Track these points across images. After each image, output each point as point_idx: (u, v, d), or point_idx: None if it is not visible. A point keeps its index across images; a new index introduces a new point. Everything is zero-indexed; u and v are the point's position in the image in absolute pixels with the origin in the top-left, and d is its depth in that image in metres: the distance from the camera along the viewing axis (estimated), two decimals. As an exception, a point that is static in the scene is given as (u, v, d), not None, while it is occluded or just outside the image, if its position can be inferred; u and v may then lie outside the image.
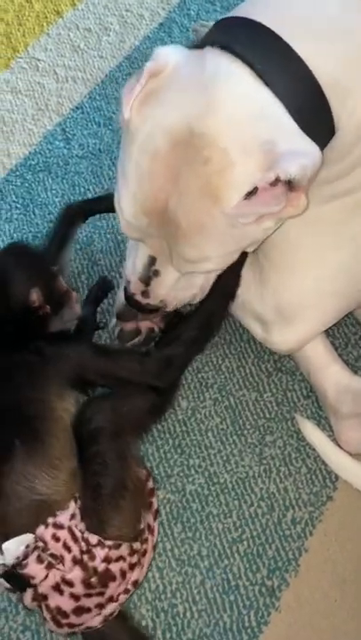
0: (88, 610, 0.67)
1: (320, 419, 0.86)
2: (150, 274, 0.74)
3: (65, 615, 0.66)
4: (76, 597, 0.66)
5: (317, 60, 0.62)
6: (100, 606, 0.67)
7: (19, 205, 1.05)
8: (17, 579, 0.66)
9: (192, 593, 0.77)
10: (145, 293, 0.76)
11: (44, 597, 0.66)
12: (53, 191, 1.07)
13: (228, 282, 0.79)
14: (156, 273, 0.74)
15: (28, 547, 0.65)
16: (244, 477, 0.83)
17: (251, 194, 0.61)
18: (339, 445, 0.83)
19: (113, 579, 0.67)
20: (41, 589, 0.66)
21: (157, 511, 0.76)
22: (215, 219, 0.63)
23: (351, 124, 0.65)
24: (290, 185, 0.61)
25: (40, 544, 0.66)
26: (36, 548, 0.66)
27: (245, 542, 0.79)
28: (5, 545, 0.66)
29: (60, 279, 0.83)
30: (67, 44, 1.24)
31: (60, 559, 0.66)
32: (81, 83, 1.19)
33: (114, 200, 0.70)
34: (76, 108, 1.16)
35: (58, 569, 0.66)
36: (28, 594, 0.67)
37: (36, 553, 0.66)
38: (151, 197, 0.65)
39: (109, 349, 0.83)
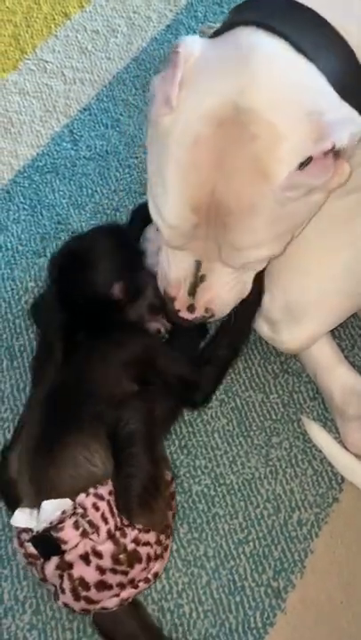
0: (109, 587, 0.67)
1: (326, 420, 0.86)
2: (197, 280, 0.71)
3: (86, 587, 0.67)
4: (101, 570, 0.67)
5: (348, 32, 0.61)
6: (121, 586, 0.68)
7: (26, 206, 1.06)
8: (46, 544, 0.67)
9: (198, 593, 0.77)
10: (191, 308, 0.74)
11: (69, 566, 0.67)
12: (61, 192, 1.07)
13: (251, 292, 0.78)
14: (203, 278, 0.71)
15: (64, 512, 0.67)
16: (250, 479, 0.83)
17: (303, 164, 0.59)
18: (345, 447, 0.83)
19: (139, 560, 0.68)
20: (68, 557, 0.66)
21: (175, 514, 0.77)
22: (266, 197, 0.61)
23: None
24: (336, 154, 0.60)
25: (80, 510, 0.67)
26: (74, 513, 0.67)
27: (251, 543, 0.79)
28: (45, 504, 0.67)
29: (146, 270, 0.81)
30: (74, 45, 1.25)
31: (96, 529, 0.66)
32: (88, 84, 1.19)
33: (150, 214, 0.68)
34: (84, 109, 1.16)
35: (91, 539, 0.66)
36: (53, 562, 0.67)
37: (73, 518, 0.67)
38: (198, 187, 0.62)
39: (173, 350, 0.83)
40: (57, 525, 0.66)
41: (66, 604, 0.69)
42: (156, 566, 0.71)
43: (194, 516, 0.81)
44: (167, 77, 0.62)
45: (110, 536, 0.67)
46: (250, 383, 0.89)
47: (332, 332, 0.86)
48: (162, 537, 0.71)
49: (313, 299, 0.79)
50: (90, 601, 0.68)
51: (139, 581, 0.69)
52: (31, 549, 0.68)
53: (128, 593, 0.69)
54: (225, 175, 0.61)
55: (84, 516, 0.67)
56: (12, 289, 0.98)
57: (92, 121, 1.15)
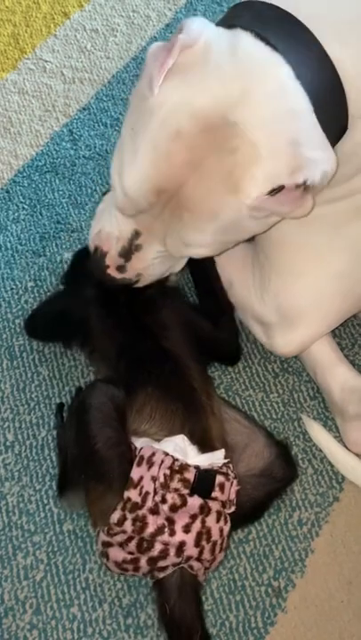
0: (214, 549, 0.70)
1: (326, 419, 0.86)
2: (132, 248, 0.72)
3: (208, 540, 0.69)
4: (221, 533, 0.70)
5: (341, 60, 0.62)
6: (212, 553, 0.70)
7: (26, 206, 1.06)
8: (206, 482, 0.69)
9: (198, 593, 0.77)
10: (121, 268, 0.73)
11: (208, 512, 0.69)
12: (60, 192, 1.07)
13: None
14: (138, 247, 0.72)
15: (222, 467, 0.71)
16: (250, 478, 0.83)
17: (275, 191, 0.61)
18: (345, 446, 0.83)
19: (220, 549, 0.71)
20: (212, 505, 0.69)
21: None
22: (229, 209, 0.63)
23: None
24: (306, 188, 0.62)
25: (232, 474, 0.72)
26: (231, 475, 0.72)
27: (252, 543, 0.79)
28: (221, 451, 0.73)
29: None
30: (74, 45, 1.25)
31: (236, 497, 0.71)
32: (88, 84, 1.19)
33: (111, 173, 0.69)
34: (83, 109, 1.16)
35: (231, 501, 0.71)
36: (198, 500, 0.68)
37: (233, 478, 0.71)
38: (168, 177, 0.63)
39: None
40: (227, 474, 0.70)
41: (181, 544, 0.68)
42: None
43: (194, 515, 0.81)
44: (160, 58, 0.62)
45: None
46: (250, 382, 0.89)
47: (332, 330, 0.86)
48: None
49: (305, 302, 0.79)
50: (200, 555, 0.69)
51: (203, 563, 0.71)
52: (190, 476, 0.69)
53: (197, 566, 0.70)
54: (198, 176, 0.62)
55: (237, 484, 0.72)
56: (12, 288, 0.97)
57: (91, 120, 1.15)
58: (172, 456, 0.70)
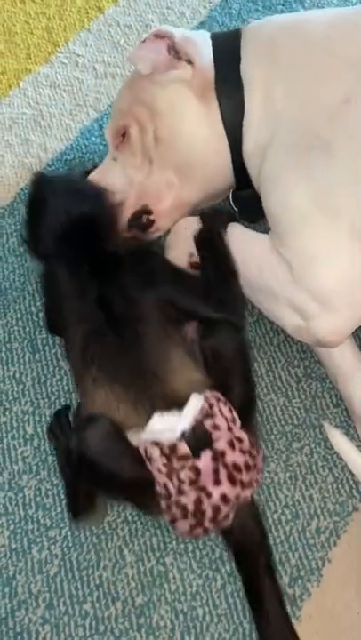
0: (249, 467, 0.71)
1: (349, 428, 0.85)
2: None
3: (239, 470, 0.70)
4: (243, 453, 0.71)
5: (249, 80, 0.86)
6: (254, 467, 0.72)
7: (53, 200, 1.06)
8: (198, 437, 0.70)
9: (212, 597, 0.76)
10: None
11: (223, 454, 0.70)
12: (88, 187, 1.07)
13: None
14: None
15: (203, 407, 0.71)
16: (269, 483, 0.82)
17: (142, 42, 0.89)
18: (366, 456, 0.82)
19: (251, 457, 0.72)
20: (219, 446, 0.70)
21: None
22: (130, 75, 0.94)
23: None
24: (175, 49, 0.86)
25: (214, 401, 0.72)
26: (218, 400, 0.72)
27: (268, 549, 0.78)
28: (192, 398, 0.71)
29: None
30: (107, 40, 1.24)
31: (234, 418, 0.72)
32: (120, 79, 1.19)
33: None
34: (114, 104, 1.16)
35: (230, 427, 0.71)
36: (207, 455, 0.69)
37: (220, 406, 0.72)
38: None
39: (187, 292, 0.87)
40: (211, 410, 0.71)
41: (223, 496, 0.69)
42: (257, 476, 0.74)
43: (211, 518, 0.80)
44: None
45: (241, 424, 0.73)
46: (272, 386, 0.88)
47: (357, 339, 0.85)
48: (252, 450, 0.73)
49: (330, 284, 0.76)
50: (243, 485, 0.70)
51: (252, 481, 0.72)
52: (183, 449, 0.69)
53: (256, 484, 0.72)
54: None
55: (225, 404, 0.72)
56: (37, 282, 0.97)
57: (121, 116, 1.14)
58: (158, 442, 0.70)
